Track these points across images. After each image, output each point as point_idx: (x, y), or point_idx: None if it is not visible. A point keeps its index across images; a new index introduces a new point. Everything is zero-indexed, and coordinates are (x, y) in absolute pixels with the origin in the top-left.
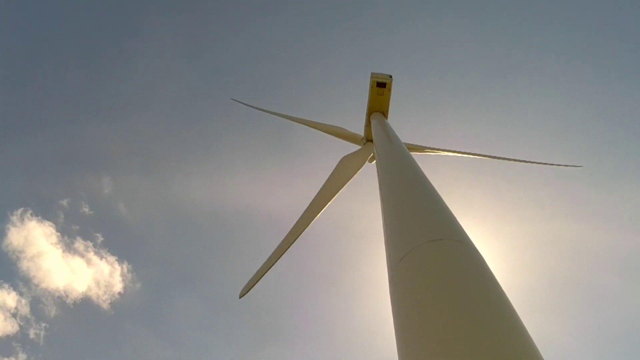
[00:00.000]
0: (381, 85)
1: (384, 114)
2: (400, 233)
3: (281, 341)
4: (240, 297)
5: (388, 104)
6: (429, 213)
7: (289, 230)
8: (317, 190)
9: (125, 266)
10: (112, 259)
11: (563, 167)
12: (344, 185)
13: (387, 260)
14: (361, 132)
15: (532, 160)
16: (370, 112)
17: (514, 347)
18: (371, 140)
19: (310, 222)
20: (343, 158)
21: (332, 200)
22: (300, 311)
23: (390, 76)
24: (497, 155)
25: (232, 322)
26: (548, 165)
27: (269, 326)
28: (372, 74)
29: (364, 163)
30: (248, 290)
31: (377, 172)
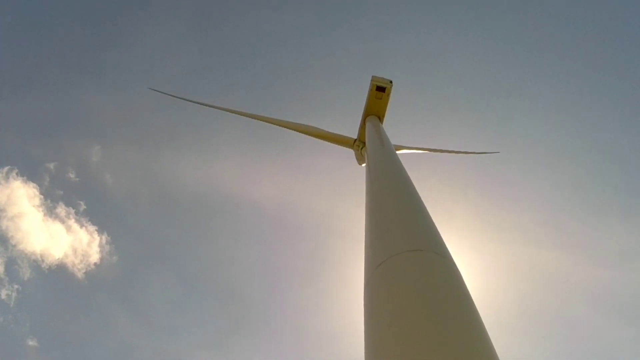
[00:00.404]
0: (380, 90)
1: (380, 118)
2: (380, 239)
3: (249, 331)
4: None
5: (385, 108)
6: (411, 223)
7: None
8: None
9: (104, 237)
10: (92, 228)
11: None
12: (324, 139)
13: (364, 264)
14: (350, 134)
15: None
16: (366, 115)
17: None
18: (364, 142)
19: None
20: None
21: (306, 134)
22: (274, 304)
23: (391, 81)
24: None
25: (203, 305)
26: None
27: (240, 314)
28: (373, 77)
29: (351, 149)
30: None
31: (366, 175)
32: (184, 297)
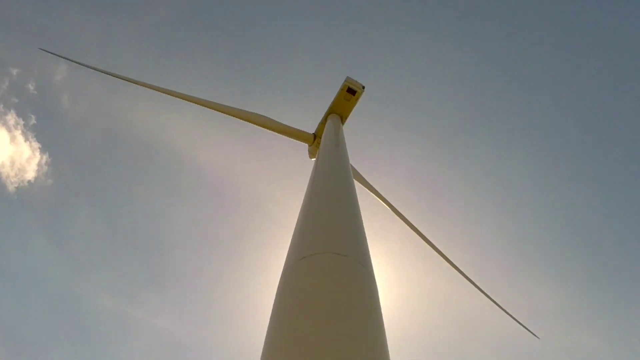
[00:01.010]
0: (351, 92)
1: (343, 119)
2: (309, 235)
3: (159, 289)
4: None
5: (350, 111)
6: (343, 227)
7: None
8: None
9: (45, 157)
10: (36, 145)
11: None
12: (277, 132)
13: (287, 254)
14: (307, 129)
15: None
16: (330, 112)
17: None
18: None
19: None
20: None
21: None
22: (191, 269)
23: (364, 87)
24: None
25: (122, 251)
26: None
27: (156, 270)
28: (347, 77)
29: (304, 143)
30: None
31: (312, 170)
32: (105, 238)
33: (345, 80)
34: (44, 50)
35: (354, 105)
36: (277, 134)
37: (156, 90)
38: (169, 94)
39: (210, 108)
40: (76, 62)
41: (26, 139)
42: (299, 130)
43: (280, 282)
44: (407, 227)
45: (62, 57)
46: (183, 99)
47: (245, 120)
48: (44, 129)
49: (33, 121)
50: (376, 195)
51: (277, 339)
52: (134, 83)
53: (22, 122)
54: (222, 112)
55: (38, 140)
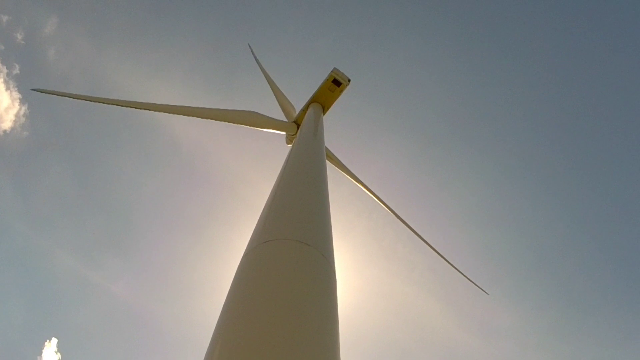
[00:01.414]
0: (336, 83)
1: (324, 109)
2: (275, 219)
3: (118, 252)
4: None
5: (333, 102)
6: (310, 217)
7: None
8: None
9: (24, 109)
10: (16, 95)
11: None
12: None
13: (251, 236)
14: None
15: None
16: (312, 101)
17: None
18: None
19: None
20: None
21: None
22: (154, 238)
23: (349, 80)
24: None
25: (87, 212)
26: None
27: (118, 234)
28: (335, 68)
29: (278, 131)
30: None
31: (287, 156)
32: (73, 198)
33: (332, 71)
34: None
35: (337, 96)
36: (272, 93)
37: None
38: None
39: (190, 115)
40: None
41: (7, 88)
42: (282, 122)
43: (241, 262)
44: (381, 208)
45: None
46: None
47: (228, 121)
48: (26, 80)
49: (17, 71)
50: (351, 177)
51: (230, 319)
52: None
53: (5, 70)
54: (203, 117)
55: (19, 91)
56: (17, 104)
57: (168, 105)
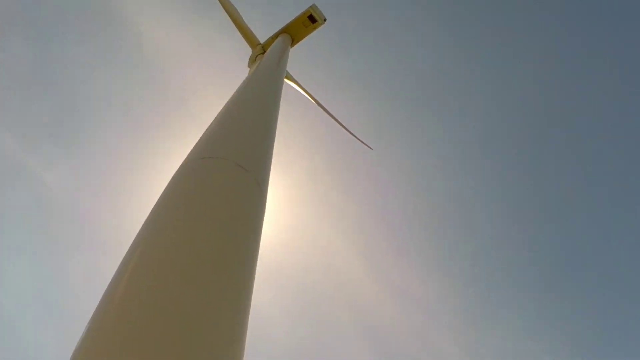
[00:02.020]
0: (312, 19)
1: (293, 42)
2: (217, 138)
3: (61, 141)
4: None
5: (303, 37)
6: (253, 141)
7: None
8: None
9: None
10: None
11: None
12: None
13: (190, 151)
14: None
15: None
16: (283, 31)
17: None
18: (264, 52)
19: None
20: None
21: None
22: (98, 131)
23: (325, 20)
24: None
25: (36, 90)
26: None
27: (62, 121)
28: (313, 4)
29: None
30: None
31: (245, 80)
32: (23, 73)
33: (310, 7)
34: None
35: (309, 32)
36: (229, 20)
37: None
38: None
39: None
40: None
41: None
42: (251, 31)
43: (175, 175)
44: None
45: None
46: None
47: None
48: None
49: None
50: (306, 93)
51: (151, 232)
52: None
53: None
54: None
55: None
56: None
57: None
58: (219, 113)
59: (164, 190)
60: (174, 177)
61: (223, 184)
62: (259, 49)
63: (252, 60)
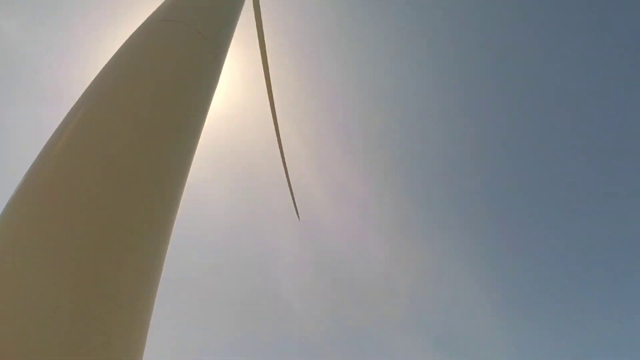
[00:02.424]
0: None
1: None
2: (182, 2)
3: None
4: None
5: None
6: (218, 8)
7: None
8: None
9: None
10: None
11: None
12: None
13: (151, 14)
14: None
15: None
16: None
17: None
18: None
19: None
20: None
21: None
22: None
23: None
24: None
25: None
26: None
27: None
28: None
29: None
30: None
31: None
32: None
33: None
34: None
35: None
36: None
37: None
38: None
39: None
40: None
41: None
42: None
43: (132, 35)
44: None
45: None
46: None
47: None
48: None
49: None
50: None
51: (95, 95)
52: None
53: None
54: None
55: None
56: None
57: None
58: None
59: (117, 51)
60: (130, 37)
61: (176, 50)
62: None
63: None
